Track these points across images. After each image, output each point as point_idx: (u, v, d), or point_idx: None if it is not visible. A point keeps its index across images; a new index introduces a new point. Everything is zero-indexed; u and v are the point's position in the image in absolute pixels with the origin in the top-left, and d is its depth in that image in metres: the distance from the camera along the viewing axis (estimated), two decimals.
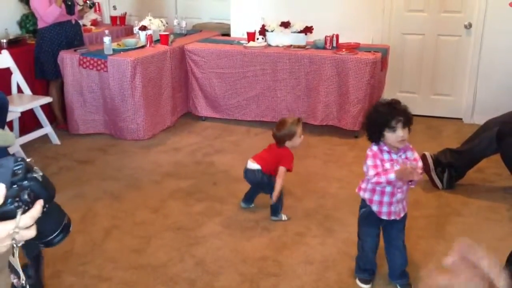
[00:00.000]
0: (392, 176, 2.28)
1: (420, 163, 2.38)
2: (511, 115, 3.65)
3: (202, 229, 3.15)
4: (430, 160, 3.63)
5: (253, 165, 3.22)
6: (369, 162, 2.37)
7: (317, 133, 4.80)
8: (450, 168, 3.61)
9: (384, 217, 2.45)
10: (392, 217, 2.45)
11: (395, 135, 2.29)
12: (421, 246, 2.94)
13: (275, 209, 3.25)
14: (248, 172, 3.25)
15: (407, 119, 2.31)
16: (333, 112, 4.70)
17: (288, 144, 3.17)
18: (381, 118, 2.31)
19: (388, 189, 2.39)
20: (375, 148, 2.38)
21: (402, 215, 2.47)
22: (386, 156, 2.37)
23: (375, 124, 2.34)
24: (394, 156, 2.36)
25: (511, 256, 2.19)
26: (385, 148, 2.36)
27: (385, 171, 2.32)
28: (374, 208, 2.46)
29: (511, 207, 3.39)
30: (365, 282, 2.61)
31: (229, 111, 5.09)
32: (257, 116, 5.01)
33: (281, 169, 3.13)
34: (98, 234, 3.11)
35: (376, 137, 2.36)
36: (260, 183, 3.24)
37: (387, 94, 5.34)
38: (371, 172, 2.34)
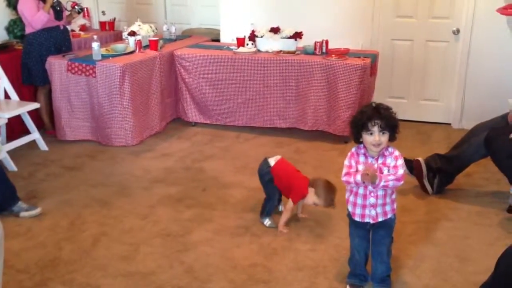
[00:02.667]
0: (358, 177, 2.32)
1: (400, 172, 2.32)
2: (499, 120, 3.68)
3: (192, 236, 3.13)
4: (424, 167, 3.63)
5: (271, 160, 3.21)
6: (345, 161, 2.41)
7: (307, 139, 4.81)
8: (439, 174, 3.62)
9: (357, 218, 2.47)
10: (366, 220, 2.45)
11: (371, 138, 2.29)
12: (411, 251, 2.94)
13: (261, 210, 3.26)
14: (262, 163, 3.25)
15: (387, 124, 2.28)
16: (323, 118, 4.71)
17: (310, 189, 3.09)
18: (360, 119, 2.31)
19: (360, 191, 2.41)
20: (353, 149, 2.41)
21: (379, 219, 2.44)
22: (361, 159, 2.37)
23: (355, 124, 2.35)
24: (370, 160, 2.36)
25: (500, 260, 2.20)
26: (362, 151, 2.37)
27: (356, 172, 2.35)
28: (349, 208, 2.50)
29: (500, 212, 3.40)
30: (354, 287, 2.60)
31: (219, 117, 5.08)
32: (247, 121, 5.00)
33: (289, 203, 3.12)
34: (86, 241, 3.08)
35: (355, 137, 2.38)
36: (261, 178, 3.23)
37: (377, 100, 5.28)
38: (343, 171, 2.39)
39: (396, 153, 2.37)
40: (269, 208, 3.24)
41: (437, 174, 3.62)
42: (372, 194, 2.40)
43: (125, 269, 2.79)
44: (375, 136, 2.28)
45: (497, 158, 3.34)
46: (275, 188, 3.20)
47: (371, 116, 2.28)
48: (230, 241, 3.07)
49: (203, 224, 3.27)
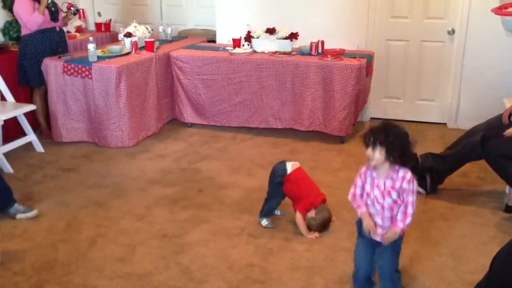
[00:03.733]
0: (359, 214, 2.34)
1: (409, 199, 2.23)
2: (495, 121, 3.70)
3: (188, 237, 3.13)
4: None
5: (289, 166, 3.17)
6: (356, 179, 2.37)
7: (303, 139, 4.82)
8: (431, 173, 3.63)
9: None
10: (377, 239, 2.37)
11: (367, 152, 2.25)
12: (407, 251, 2.94)
13: (261, 209, 3.26)
14: (279, 164, 3.21)
15: (381, 140, 2.19)
16: (319, 118, 4.72)
17: (309, 213, 3.11)
18: (364, 135, 2.28)
19: (372, 210, 2.35)
20: (363, 168, 2.35)
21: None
22: (369, 179, 2.32)
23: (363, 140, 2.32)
24: (376, 181, 2.30)
25: (494, 259, 2.22)
26: (373, 169, 2.31)
27: (361, 196, 2.35)
28: (359, 223, 2.44)
29: (495, 211, 3.42)
30: None
31: (215, 118, 5.08)
32: (243, 122, 5.01)
33: (298, 216, 3.12)
34: (82, 242, 3.08)
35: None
36: (272, 177, 3.20)
37: (372, 100, 5.38)
38: (351, 190, 2.39)
39: (408, 176, 2.23)
40: (268, 208, 3.24)
41: (429, 173, 3.63)
42: (377, 215, 2.34)
43: (121, 270, 2.79)
44: (368, 151, 2.23)
45: (489, 157, 3.34)
46: (280, 192, 3.19)
47: (370, 132, 2.24)
48: (226, 241, 3.08)
49: (199, 224, 3.28)
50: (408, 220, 2.26)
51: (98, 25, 6.42)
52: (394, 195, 2.26)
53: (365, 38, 5.25)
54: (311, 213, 3.11)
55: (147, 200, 3.62)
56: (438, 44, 5.09)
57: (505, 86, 4.80)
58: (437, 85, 5.21)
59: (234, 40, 5.11)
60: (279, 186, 3.17)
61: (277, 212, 3.35)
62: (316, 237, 3.10)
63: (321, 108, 4.68)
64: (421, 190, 3.65)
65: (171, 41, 5.73)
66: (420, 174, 3.65)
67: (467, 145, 3.59)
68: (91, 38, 4.70)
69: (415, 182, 2.26)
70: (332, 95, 4.59)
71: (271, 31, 5.00)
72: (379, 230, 2.35)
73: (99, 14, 7.01)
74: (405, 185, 2.24)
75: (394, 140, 2.20)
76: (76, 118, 4.66)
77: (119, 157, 4.43)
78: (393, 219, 2.32)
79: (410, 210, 2.26)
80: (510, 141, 3.26)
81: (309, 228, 3.13)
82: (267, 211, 3.25)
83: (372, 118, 5.47)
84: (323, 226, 3.15)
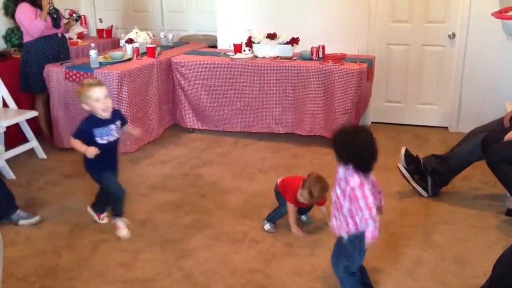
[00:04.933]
0: None
1: (357, 205, 2.20)
2: (496, 124, 3.70)
3: (190, 242, 3.13)
4: (404, 173, 3.66)
5: (280, 178, 3.30)
6: None
7: (304, 144, 4.82)
8: (433, 175, 3.64)
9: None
10: (336, 231, 2.38)
11: None
12: (409, 255, 2.95)
13: (268, 214, 3.29)
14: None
15: (332, 141, 2.32)
16: (320, 123, 4.72)
17: (300, 190, 3.03)
18: None
19: None
20: None
21: (336, 232, 2.37)
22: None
23: None
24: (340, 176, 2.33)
25: (496, 264, 2.21)
26: None
27: None
28: None
29: (498, 215, 3.42)
30: None
31: (217, 123, 5.09)
32: (245, 127, 5.01)
33: (288, 205, 3.15)
34: (85, 248, 3.08)
35: None
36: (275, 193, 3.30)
37: (373, 104, 5.38)
38: None
39: (352, 183, 2.21)
40: (274, 215, 3.26)
41: (430, 175, 3.64)
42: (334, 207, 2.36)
43: (124, 276, 2.80)
44: None
45: (490, 161, 3.34)
46: (283, 200, 3.21)
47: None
48: (228, 246, 3.08)
49: (202, 230, 3.28)
50: (367, 225, 2.20)
51: (99, 32, 6.44)
52: (338, 191, 2.30)
53: (366, 42, 5.26)
54: (300, 188, 3.02)
55: (149, 206, 3.63)
56: (438, 48, 5.10)
57: (507, 90, 4.81)
58: (438, 89, 5.22)
59: (235, 45, 5.12)
60: (278, 196, 3.25)
61: (304, 218, 3.35)
62: (301, 235, 3.13)
63: (322, 113, 4.69)
64: (423, 192, 3.65)
65: (172, 47, 5.75)
66: (422, 176, 3.67)
67: (467, 147, 3.60)
68: (92, 45, 4.72)
69: (361, 190, 2.20)
70: (333, 100, 4.60)
71: (272, 36, 5.01)
72: (333, 222, 2.36)
73: (100, 20, 7.03)
74: (348, 190, 2.23)
75: (343, 144, 2.27)
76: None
77: (121, 162, 4.39)
78: (352, 216, 2.27)
79: (364, 215, 2.19)
80: (510, 146, 3.26)
81: (313, 194, 2.96)
82: (273, 217, 3.27)
83: (373, 122, 5.47)
84: (319, 179, 3.00)
